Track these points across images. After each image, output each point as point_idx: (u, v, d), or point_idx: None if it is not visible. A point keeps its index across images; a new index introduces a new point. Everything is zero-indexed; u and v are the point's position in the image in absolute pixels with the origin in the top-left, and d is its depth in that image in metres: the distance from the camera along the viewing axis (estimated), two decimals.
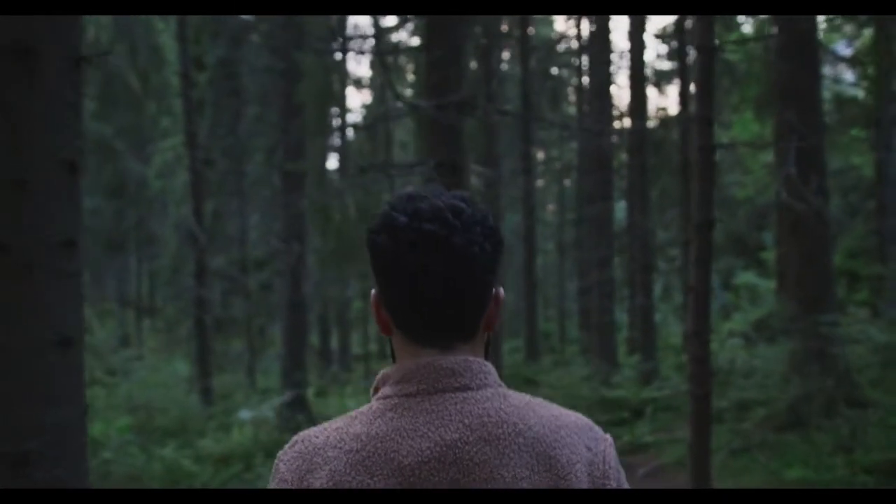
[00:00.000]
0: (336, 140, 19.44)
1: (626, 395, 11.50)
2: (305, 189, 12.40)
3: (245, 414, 9.22)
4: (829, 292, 9.03)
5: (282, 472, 1.22)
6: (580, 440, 1.22)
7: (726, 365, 11.36)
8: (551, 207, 31.14)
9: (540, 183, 26.63)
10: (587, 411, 11.82)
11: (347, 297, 22.40)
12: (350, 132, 20.66)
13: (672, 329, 22.08)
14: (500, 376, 1.28)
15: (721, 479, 7.01)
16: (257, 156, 20.94)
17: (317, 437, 1.23)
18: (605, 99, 14.68)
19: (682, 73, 16.09)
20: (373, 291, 1.29)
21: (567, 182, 27.34)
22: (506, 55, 22.62)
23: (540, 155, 26.80)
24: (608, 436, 1.28)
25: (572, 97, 24.51)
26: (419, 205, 1.21)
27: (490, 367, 1.26)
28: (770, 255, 23.80)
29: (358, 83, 21.46)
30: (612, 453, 1.26)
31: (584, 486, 1.19)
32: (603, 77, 14.62)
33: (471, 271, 1.20)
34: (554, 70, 22.35)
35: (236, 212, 21.84)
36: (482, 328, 1.27)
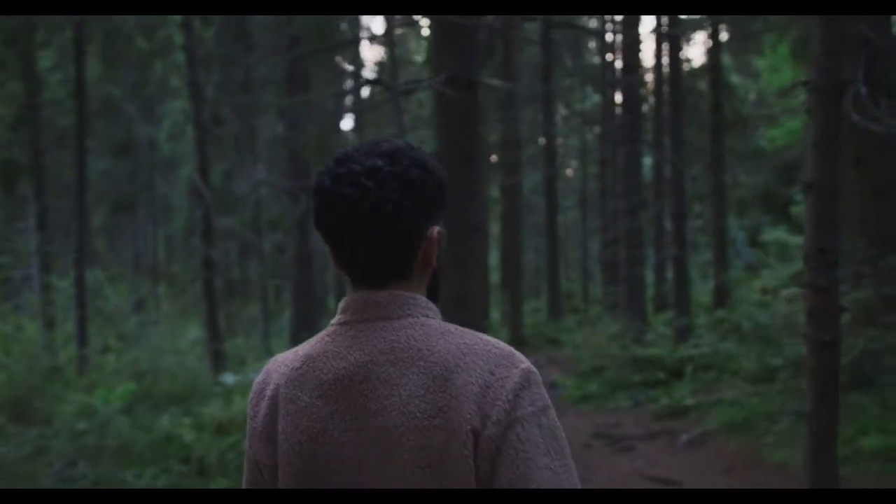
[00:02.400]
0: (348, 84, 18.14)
1: (661, 354, 10.19)
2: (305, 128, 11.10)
3: (229, 378, 8.07)
4: (892, 236, 7.62)
5: (253, 385, 1.40)
6: (485, 365, 1.25)
7: (770, 320, 10.04)
8: (570, 171, 29.64)
9: (560, 141, 25.15)
10: (618, 372, 10.64)
11: None
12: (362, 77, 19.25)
13: (698, 287, 20.71)
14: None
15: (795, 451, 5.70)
16: (269, 115, 19.68)
17: (281, 357, 1.40)
18: (634, 42, 13.24)
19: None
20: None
21: (589, 136, 25.85)
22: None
23: (562, 113, 25.30)
24: (528, 367, 1.28)
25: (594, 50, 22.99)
26: (341, 169, 1.30)
27: (420, 300, 1.33)
28: (801, 209, 22.35)
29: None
30: (517, 380, 1.25)
31: (470, 407, 1.21)
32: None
33: (389, 226, 1.28)
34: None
35: (249, 173, 20.65)
36: (417, 268, 1.35)
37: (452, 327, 1.31)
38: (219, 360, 15.00)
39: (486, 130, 21.75)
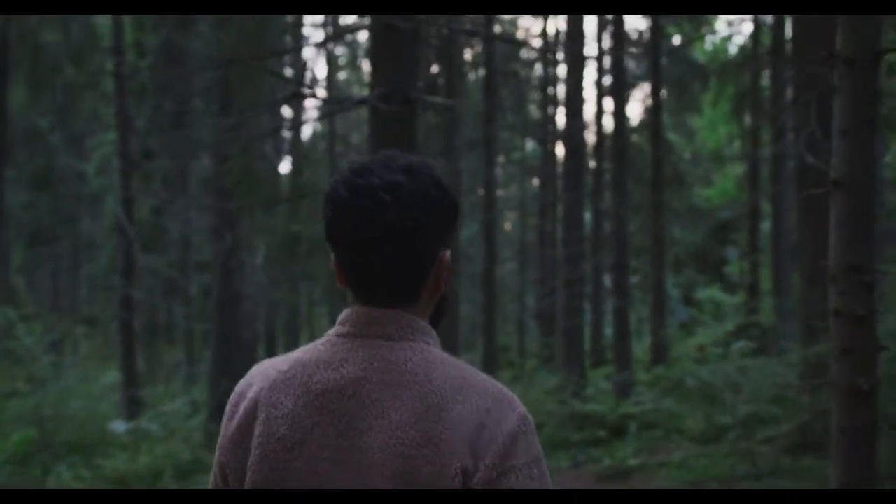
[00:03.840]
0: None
1: (602, 411, 9.50)
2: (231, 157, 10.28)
3: (119, 426, 7.11)
4: None
5: (235, 388, 1.33)
6: (482, 403, 1.19)
7: (712, 377, 9.49)
8: (508, 224, 29.26)
9: (500, 193, 24.77)
10: (557, 429, 9.88)
11: (296, 301, 20.17)
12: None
13: (634, 343, 20.25)
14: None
15: None
16: (203, 150, 18.75)
17: (269, 361, 1.33)
18: (577, 89, 12.89)
19: (655, 77, 14.35)
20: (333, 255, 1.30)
21: (528, 187, 25.52)
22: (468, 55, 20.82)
23: (501, 162, 24.97)
24: (525, 412, 1.23)
25: (536, 101, 22.81)
26: (358, 181, 1.22)
27: (424, 326, 1.28)
28: (734, 269, 22.29)
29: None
30: (513, 426, 1.19)
31: (462, 444, 1.15)
32: (576, 73, 12.87)
33: (404, 244, 1.22)
34: (518, 69, 20.59)
35: (180, 210, 19.60)
36: (426, 291, 1.29)
37: (452, 359, 1.27)
38: (134, 407, 13.89)
39: None
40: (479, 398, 1.19)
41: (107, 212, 21.01)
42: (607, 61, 19.40)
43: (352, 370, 1.22)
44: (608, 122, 15.30)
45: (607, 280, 20.29)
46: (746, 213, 16.71)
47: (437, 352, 1.26)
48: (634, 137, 18.42)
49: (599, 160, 18.01)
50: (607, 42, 18.88)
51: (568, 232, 11.92)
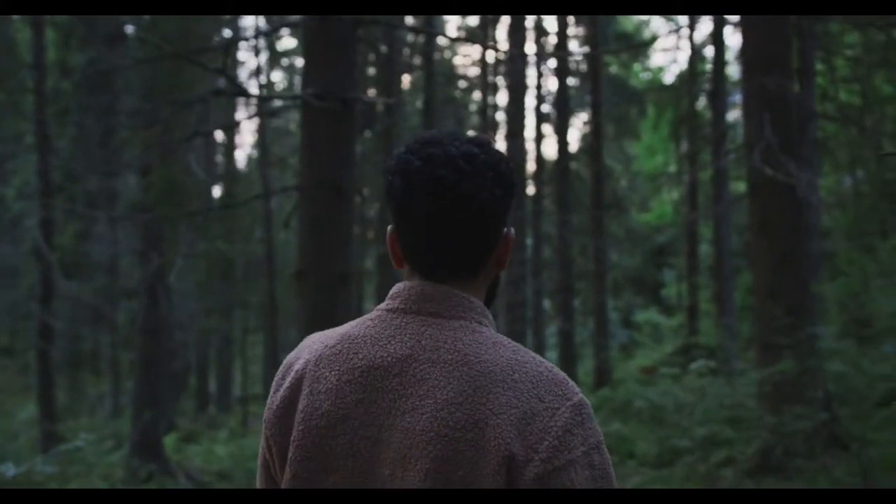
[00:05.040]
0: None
1: None
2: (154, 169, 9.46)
3: (9, 470, 6.25)
4: (807, 302, 6.84)
5: (283, 361, 1.29)
6: (534, 389, 1.13)
7: (660, 399, 9.08)
8: None
9: None
10: None
11: (229, 329, 19.20)
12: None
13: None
14: None
15: None
16: (131, 172, 17.77)
17: (318, 334, 1.28)
18: (518, 115, 12.57)
19: (595, 98, 14.15)
20: (389, 227, 1.26)
21: None
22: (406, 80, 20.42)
23: None
24: (581, 399, 1.14)
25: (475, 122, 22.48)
26: (433, 150, 1.19)
27: (479, 305, 1.23)
28: (671, 291, 22.23)
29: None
30: (568, 416, 1.12)
31: (510, 430, 1.08)
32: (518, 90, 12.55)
33: (480, 216, 1.18)
34: (457, 94, 20.27)
35: (106, 235, 18.52)
36: (489, 267, 1.25)
37: (506, 340, 1.20)
38: (50, 443, 12.81)
39: (365, 208, 20.58)
40: (531, 383, 1.13)
41: (28, 237, 19.77)
42: (545, 89, 19.26)
43: (399, 347, 1.18)
44: (547, 149, 15.07)
45: (546, 304, 19.93)
46: (685, 234, 16.59)
47: (489, 332, 1.20)
48: (573, 164, 18.26)
49: (539, 185, 17.76)
50: (546, 70, 18.74)
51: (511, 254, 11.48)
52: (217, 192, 18.25)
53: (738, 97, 17.36)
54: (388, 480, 1.12)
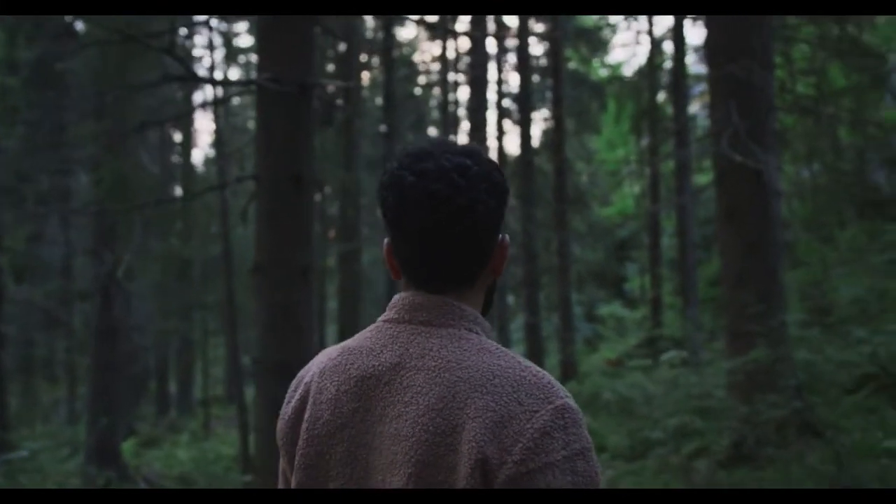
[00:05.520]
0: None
1: None
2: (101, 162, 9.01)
3: None
4: (776, 290, 6.73)
5: (298, 373, 1.34)
6: (513, 392, 1.11)
7: (629, 391, 8.95)
8: None
9: None
10: None
11: (189, 331, 18.70)
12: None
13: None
14: None
15: None
16: (83, 174, 17.18)
17: (329, 348, 1.32)
18: (480, 109, 12.38)
19: (557, 91, 14.02)
20: (385, 240, 1.28)
21: None
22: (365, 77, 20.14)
23: None
24: (565, 403, 1.11)
25: (435, 120, 22.31)
26: (425, 165, 1.20)
27: (470, 313, 1.23)
28: (634, 284, 22.25)
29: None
30: (547, 418, 1.09)
31: (484, 433, 1.07)
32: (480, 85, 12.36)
33: (474, 228, 1.19)
34: (417, 90, 20.02)
35: (59, 237, 17.90)
36: (485, 275, 1.27)
37: (493, 346, 1.20)
38: (2, 452, 12.27)
39: (326, 205, 20.22)
40: (511, 387, 1.12)
41: None
42: (506, 85, 19.12)
43: (389, 356, 1.20)
44: (509, 144, 14.90)
45: (509, 299, 19.79)
46: (647, 226, 16.55)
47: (477, 339, 1.20)
48: (535, 159, 18.14)
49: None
50: (507, 65, 18.59)
51: None
52: (173, 190, 17.77)
53: (698, 90, 17.39)
54: (379, 485, 1.15)
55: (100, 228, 10.51)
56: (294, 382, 1.32)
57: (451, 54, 20.42)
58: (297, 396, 1.28)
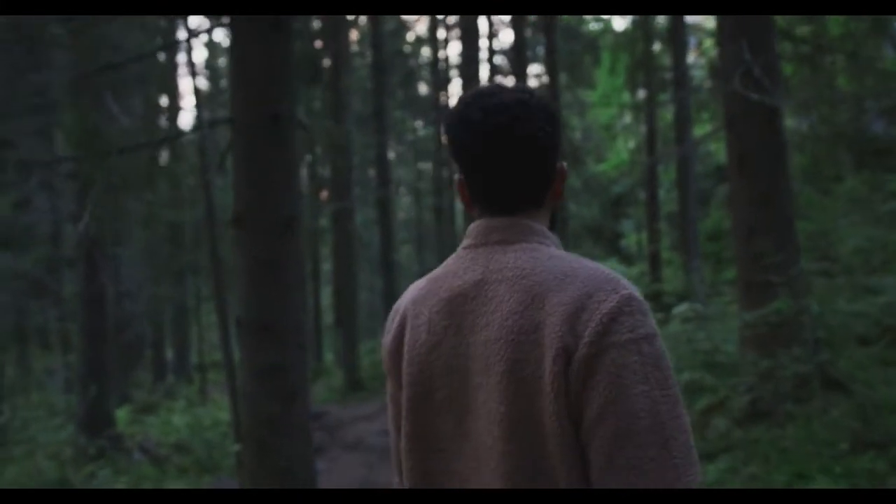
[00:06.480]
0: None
1: None
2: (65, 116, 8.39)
3: None
4: (792, 239, 6.27)
5: (393, 307, 1.45)
6: (583, 287, 1.21)
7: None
8: (402, 213, 27.94)
9: (393, 175, 23.40)
10: None
11: (180, 295, 18.23)
12: None
13: None
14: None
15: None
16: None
17: (415, 282, 1.43)
18: (473, 60, 11.78)
19: (550, 44, 13.41)
20: (455, 176, 1.39)
21: (422, 167, 24.29)
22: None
23: (395, 148, 23.64)
24: (631, 293, 1.20)
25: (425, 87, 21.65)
26: (489, 101, 1.30)
27: (540, 229, 1.33)
28: (631, 241, 21.83)
29: None
30: (614, 304, 1.18)
31: (562, 325, 1.18)
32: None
33: (536, 154, 1.30)
34: (406, 48, 19.32)
35: (46, 203, 17.31)
36: (548, 199, 1.37)
37: (563, 253, 1.30)
38: None
39: (317, 166, 19.62)
40: (581, 284, 1.20)
41: None
42: (497, 41, 18.44)
43: (472, 275, 1.30)
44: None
45: None
46: (645, 180, 16.04)
47: (547, 250, 1.29)
48: None
49: None
50: (499, 21, 17.91)
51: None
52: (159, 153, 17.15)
53: (693, 42, 16.76)
54: (479, 387, 1.24)
55: (82, 192, 9.96)
56: (390, 316, 1.43)
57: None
58: (394, 326, 1.40)
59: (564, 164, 1.36)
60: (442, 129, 1.35)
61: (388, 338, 1.40)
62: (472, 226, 1.35)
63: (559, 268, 1.22)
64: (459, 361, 1.26)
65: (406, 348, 1.34)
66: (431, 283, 1.34)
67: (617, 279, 1.21)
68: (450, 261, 1.36)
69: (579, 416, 1.16)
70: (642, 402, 1.11)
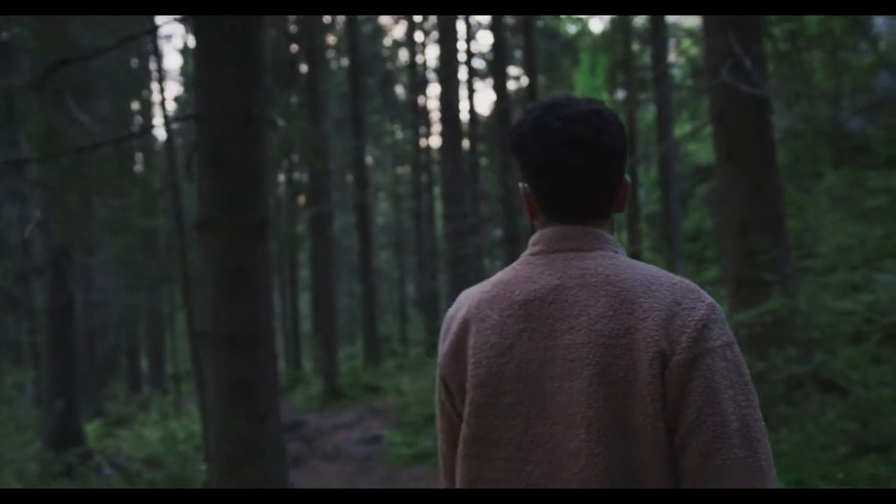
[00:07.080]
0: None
1: None
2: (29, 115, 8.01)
3: None
4: (783, 236, 6.07)
5: (445, 317, 1.44)
6: (671, 295, 1.24)
7: None
8: (381, 219, 27.59)
9: (371, 181, 23.09)
10: None
11: (155, 305, 17.79)
12: None
13: None
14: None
15: None
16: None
17: (473, 288, 1.43)
18: (451, 60, 11.53)
19: (527, 51, 13.22)
20: (521, 185, 1.38)
21: (400, 171, 23.99)
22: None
23: (372, 152, 23.33)
24: (713, 302, 1.25)
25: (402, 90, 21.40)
26: (566, 111, 1.31)
27: (611, 238, 1.35)
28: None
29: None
30: (703, 312, 1.22)
31: (657, 330, 1.20)
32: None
33: (611, 163, 1.31)
34: (384, 51, 19.04)
35: (15, 214, 16.81)
36: (613, 209, 1.37)
37: (640, 263, 1.31)
38: None
39: (297, 167, 19.27)
40: (667, 291, 1.24)
41: None
42: (475, 43, 18.23)
43: (549, 280, 1.29)
44: (479, 104, 14.07)
45: (486, 261, 19.12)
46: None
47: (622, 258, 1.31)
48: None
49: (474, 140, 16.79)
50: (476, 23, 17.69)
51: (450, 207, 10.52)
52: (132, 160, 16.74)
53: (673, 42, 16.65)
54: (556, 391, 1.23)
55: (49, 200, 9.58)
56: (445, 324, 1.41)
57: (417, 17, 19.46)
58: (452, 331, 1.37)
59: (628, 177, 1.36)
60: (510, 139, 1.35)
61: (444, 346, 1.38)
62: (542, 232, 1.35)
63: (643, 275, 1.24)
64: (532, 366, 1.26)
65: (471, 351, 1.32)
66: (499, 287, 1.33)
67: (696, 288, 1.25)
68: (518, 266, 1.36)
69: (674, 419, 1.18)
70: (732, 407, 1.16)
